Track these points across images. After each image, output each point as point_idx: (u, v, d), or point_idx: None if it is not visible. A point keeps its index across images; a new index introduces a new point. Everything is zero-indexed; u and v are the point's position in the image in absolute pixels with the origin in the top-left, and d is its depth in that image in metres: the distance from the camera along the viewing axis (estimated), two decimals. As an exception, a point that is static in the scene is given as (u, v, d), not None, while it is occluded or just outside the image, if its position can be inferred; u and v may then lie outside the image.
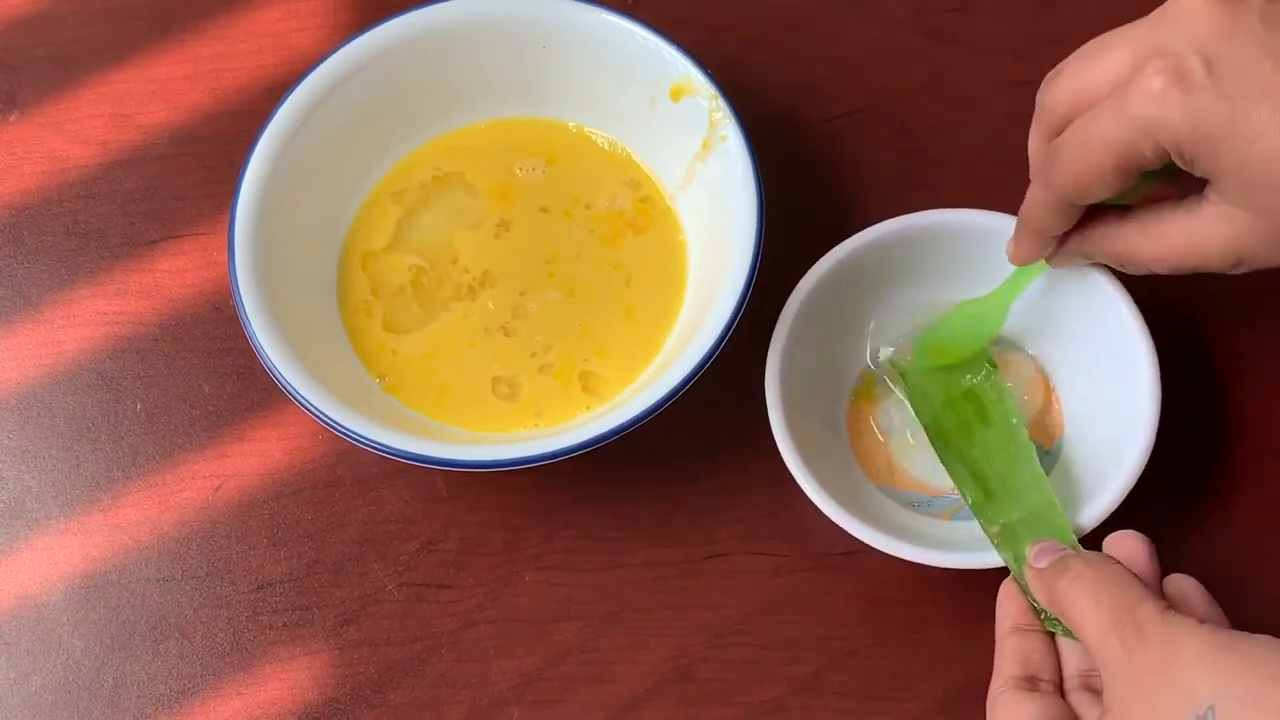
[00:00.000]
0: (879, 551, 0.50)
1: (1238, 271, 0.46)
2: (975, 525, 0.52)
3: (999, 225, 0.54)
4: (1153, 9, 0.46)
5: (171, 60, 0.66)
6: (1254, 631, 0.42)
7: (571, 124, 0.61)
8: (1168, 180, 0.47)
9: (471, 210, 0.60)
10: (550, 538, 0.56)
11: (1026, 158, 0.62)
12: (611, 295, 0.58)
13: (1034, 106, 0.64)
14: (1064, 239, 0.51)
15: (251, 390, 0.59)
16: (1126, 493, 0.50)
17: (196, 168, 0.64)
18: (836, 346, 0.56)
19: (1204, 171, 0.44)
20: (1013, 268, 0.53)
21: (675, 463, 0.57)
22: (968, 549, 0.50)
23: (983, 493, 0.52)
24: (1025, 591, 0.49)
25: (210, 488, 0.57)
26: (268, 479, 0.58)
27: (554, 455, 0.51)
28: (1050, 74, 0.49)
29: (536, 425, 0.56)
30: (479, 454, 0.51)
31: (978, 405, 0.55)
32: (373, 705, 0.54)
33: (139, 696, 0.54)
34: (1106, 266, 0.52)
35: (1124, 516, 0.50)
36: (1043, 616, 0.48)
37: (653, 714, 0.53)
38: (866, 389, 0.57)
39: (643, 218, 0.60)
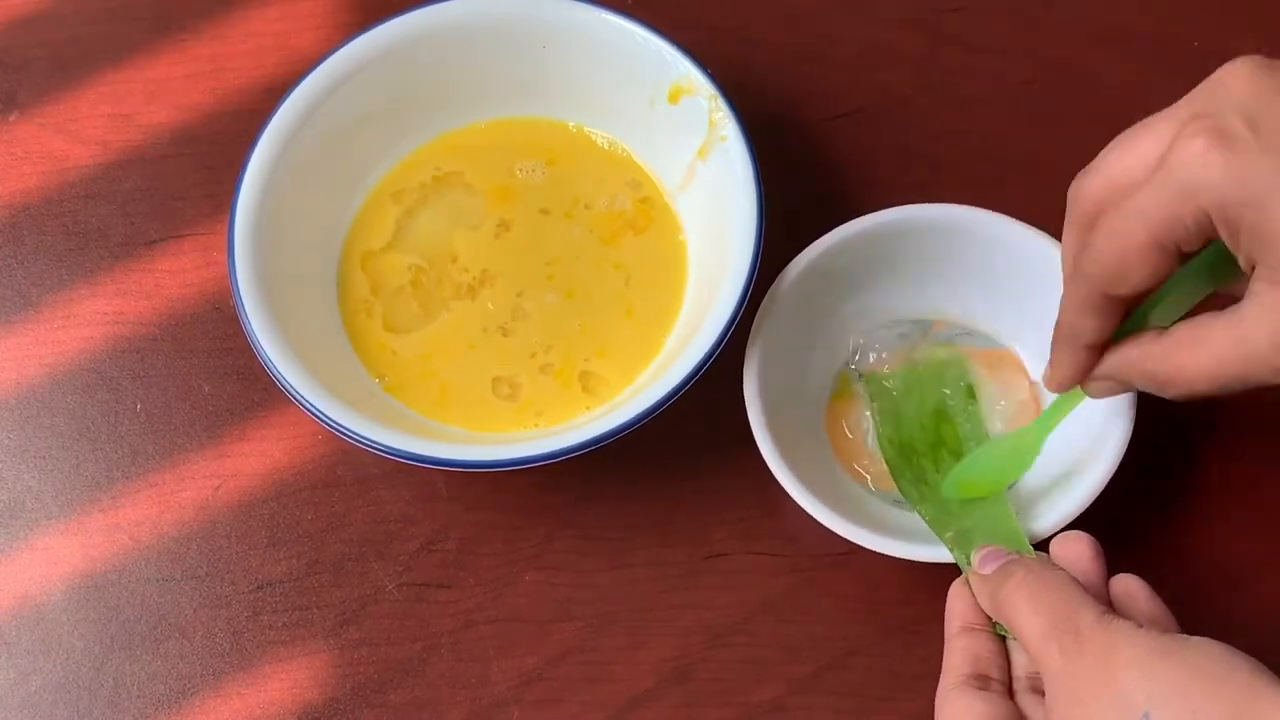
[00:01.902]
0: (879, 551, 0.50)
1: None
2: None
3: (978, 219, 0.54)
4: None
5: (171, 60, 0.66)
6: (1228, 632, 0.42)
7: (571, 124, 0.61)
8: (1210, 278, 0.45)
9: (471, 210, 0.60)
10: (550, 538, 0.56)
11: (1026, 157, 0.62)
12: (611, 295, 0.58)
13: (1033, 106, 0.65)
14: (1099, 362, 0.47)
15: (251, 390, 0.59)
16: (1103, 486, 0.50)
17: (196, 168, 0.64)
18: (814, 347, 0.56)
19: (1249, 243, 0.40)
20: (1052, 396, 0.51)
21: (675, 463, 0.57)
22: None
23: (939, 510, 0.52)
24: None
25: (210, 488, 0.57)
26: (268, 479, 0.58)
27: (554, 455, 0.51)
28: (1081, 171, 0.46)
29: (536, 425, 0.56)
30: (479, 454, 0.51)
31: (951, 430, 0.55)
32: (373, 705, 0.54)
33: (139, 696, 0.54)
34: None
35: (1101, 509, 0.50)
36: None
37: (653, 714, 0.53)
38: (844, 390, 0.57)
39: (643, 218, 0.60)
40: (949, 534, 0.50)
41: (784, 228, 0.56)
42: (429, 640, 0.55)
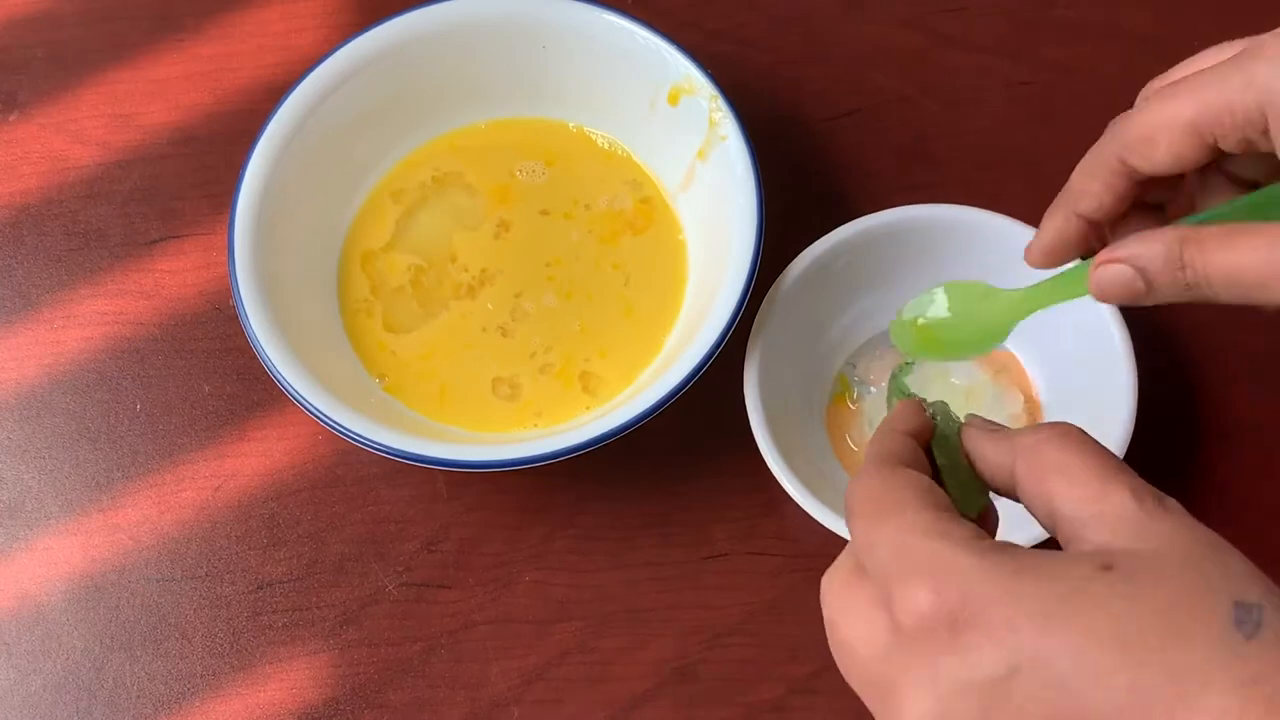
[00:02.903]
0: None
1: None
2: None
3: (977, 220, 0.55)
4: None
5: (171, 60, 0.66)
6: None
7: (571, 124, 0.61)
8: (1264, 214, 0.41)
9: (471, 211, 0.60)
10: (550, 538, 0.56)
11: (1026, 157, 0.62)
12: (611, 295, 0.58)
13: (1033, 106, 0.65)
14: (1087, 240, 0.43)
15: (251, 390, 0.59)
16: None
17: (196, 168, 0.64)
18: (814, 347, 0.56)
19: None
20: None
21: (675, 463, 0.57)
22: None
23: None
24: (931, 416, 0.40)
25: (210, 488, 0.57)
26: (268, 479, 0.58)
27: (554, 455, 0.51)
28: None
29: (536, 425, 0.56)
30: (479, 454, 0.51)
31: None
32: (373, 705, 0.54)
33: (139, 696, 0.54)
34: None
35: None
36: (941, 452, 0.40)
37: (653, 714, 0.53)
38: (844, 390, 0.57)
39: (642, 218, 0.60)
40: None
41: (784, 228, 0.56)
42: (429, 640, 0.55)
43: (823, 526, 0.50)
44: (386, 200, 0.60)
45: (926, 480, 0.36)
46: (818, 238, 0.55)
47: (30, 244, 0.63)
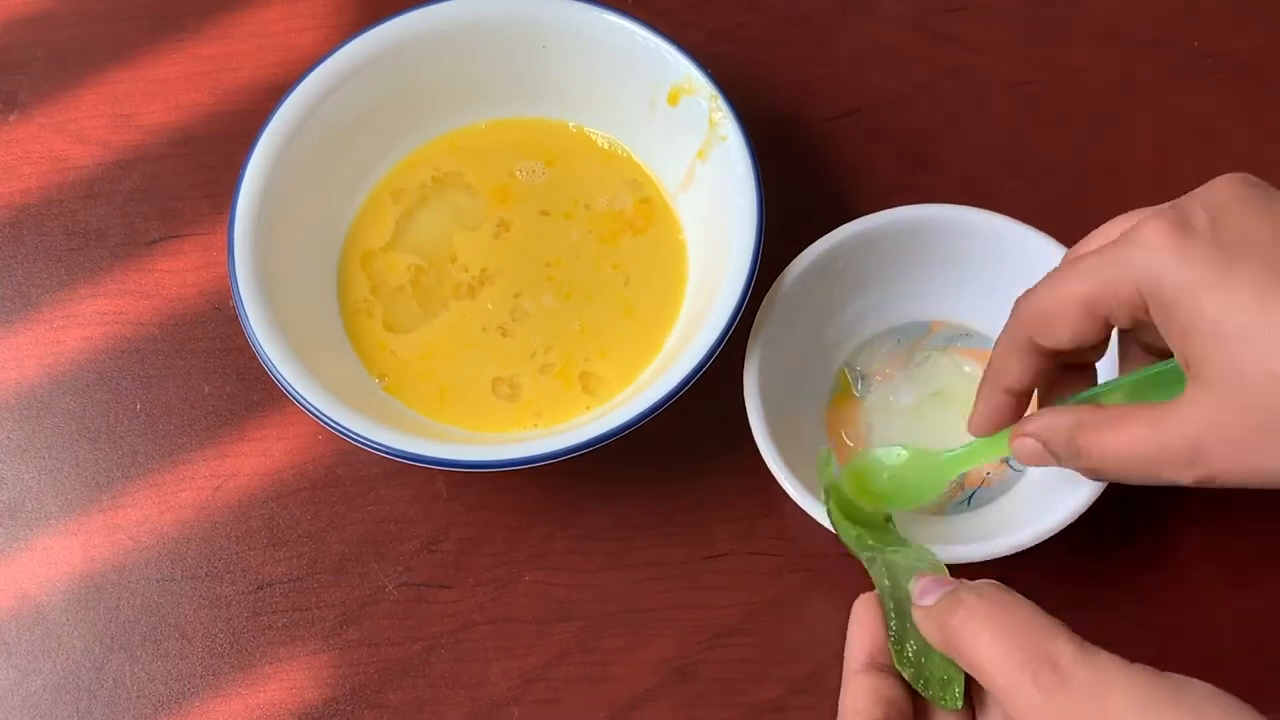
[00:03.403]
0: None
1: (1194, 476, 0.41)
2: (968, 520, 0.52)
3: (978, 220, 0.54)
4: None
5: (171, 60, 0.66)
6: (1218, 637, 0.40)
7: (571, 124, 0.61)
8: (1166, 388, 0.44)
9: (471, 211, 0.60)
10: (550, 538, 0.56)
11: (1026, 157, 0.62)
12: (611, 295, 0.58)
13: (1033, 106, 0.65)
14: (1020, 414, 0.48)
15: (251, 390, 0.59)
16: (1082, 510, 0.49)
17: (196, 168, 0.64)
18: (814, 348, 0.56)
19: (1178, 335, 0.40)
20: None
21: (675, 463, 0.57)
22: (962, 541, 0.50)
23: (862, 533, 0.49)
24: (888, 616, 0.44)
25: (210, 488, 0.57)
26: (268, 479, 0.58)
27: (554, 455, 0.51)
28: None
29: (536, 425, 0.56)
30: (479, 454, 0.51)
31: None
32: (373, 705, 0.54)
33: (139, 696, 0.54)
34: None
35: (1078, 536, 0.50)
36: (904, 659, 0.43)
37: (653, 714, 0.53)
38: (845, 391, 0.57)
39: (643, 218, 0.60)
40: (867, 554, 0.47)
41: (784, 228, 0.56)
42: (429, 640, 0.55)
43: (823, 526, 0.50)
44: (386, 200, 0.60)
45: None
46: (818, 238, 0.55)
47: (30, 244, 0.63)
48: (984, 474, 0.54)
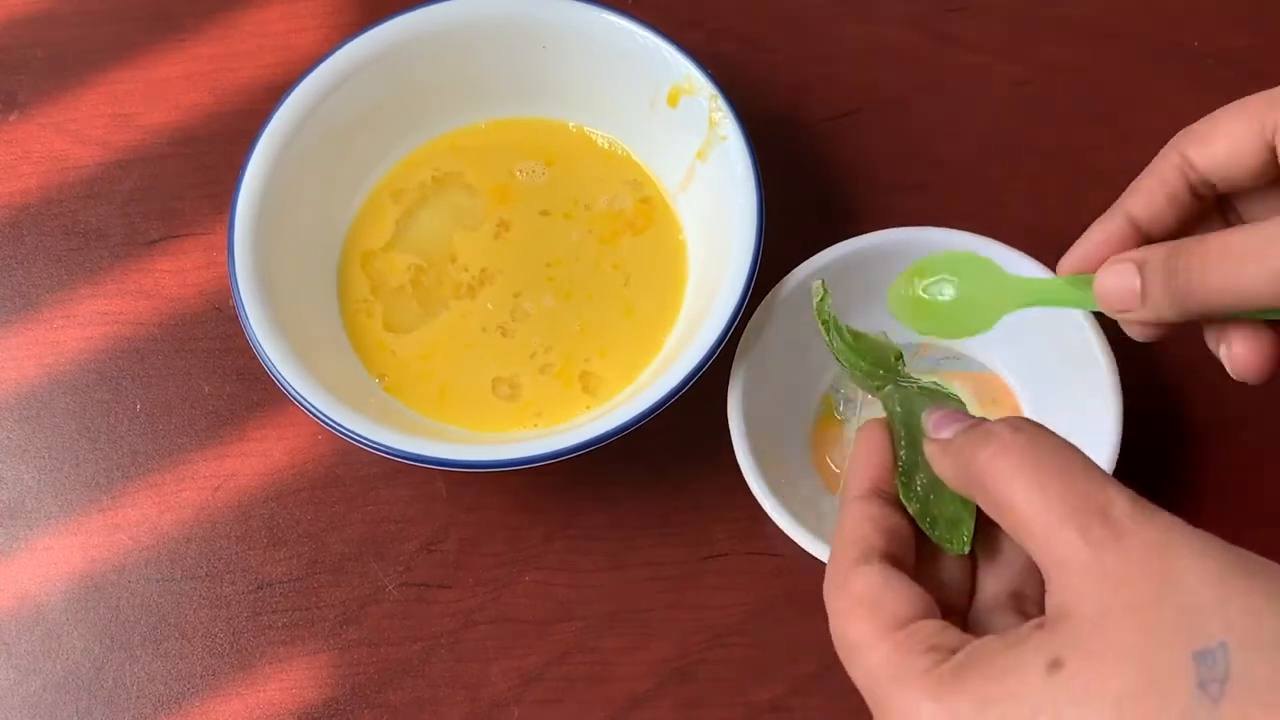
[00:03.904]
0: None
1: None
2: None
3: (970, 245, 0.53)
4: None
5: (171, 60, 0.66)
6: None
7: (571, 124, 0.61)
8: None
9: (470, 211, 0.60)
10: (550, 538, 0.56)
11: (1026, 157, 0.62)
12: (611, 295, 0.58)
13: (1033, 106, 0.65)
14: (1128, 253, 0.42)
15: (251, 390, 0.59)
16: None
17: (196, 168, 0.64)
18: (799, 371, 0.56)
19: None
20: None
21: (675, 463, 0.57)
22: None
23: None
24: (898, 445, 0.40)
25: (210, 488, 0.57)
26: (268, 479, 0.58)
27: (554, 455, 0.51)
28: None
29: (536, 425, 0.56)
30: (479, 454, 0.51)
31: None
32: (373, 705, 0.54)
33: (139, 696, 0.54)
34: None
35: None
36: (911, 493, 0.39)
37: (653, 714, 0.53)
38: (827, 415, 0.56)
39: (642, 218, 0.60)
40: (877, 384, 0.43)
41: (783, 228, 0.56)
42: (429, 640, 0.55)
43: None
44: (386, 200, 0.60)
45: (879, 585, 0.35)
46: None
47: (30, 244, 0.63)
48: None
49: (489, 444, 0.54)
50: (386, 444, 0.51)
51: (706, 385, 0.52)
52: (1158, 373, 0.57)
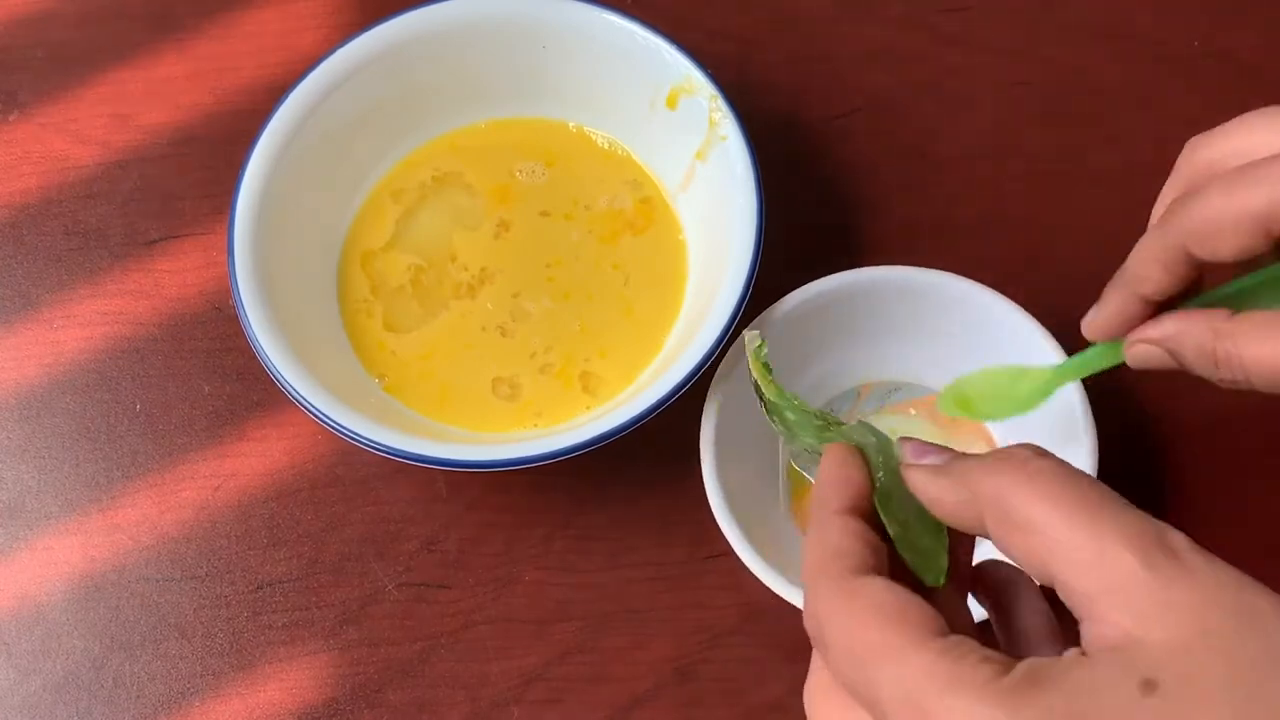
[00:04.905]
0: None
1: None
2: None
3: (948, 284, 0.53)
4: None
5: (171, 60, 0.66)
6: None
7: (571, 124, 0.61)
8: None
9: (470, 211, 0.60)
10: (550, 538, 0.56)
11: (1026, 157, 0.62)
12: (611, 295, 0.58)
13: (1033, 106, 0.64)
14: (1147, 321, 0.43)
15: (251, 390, 0.59)
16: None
17: (196, 168, 0.64)
18: (763, 451, 0.55)
19: None
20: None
21: (675, 463, 0.57)
22: None
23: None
24: (874, 469, 0.38)
25: (210, 488, 0.57)
26: (267, 479, 0.58)
27: (554, 455, 0.51)
28: (1202, 134, 0.43)
29: (536, 425, 0.56)
30: (479, 454, 0.51)
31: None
32: (373, 705, 0.54)
33: (139, 696, 0.54)
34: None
35: None
36: (890, 513, 0.38)
37: (653, 714, 0.53)
38: (800, 485, 0.55)
39: (642, 218, 0.60)
40: (829, 437, 0.41)
41: (783, 227, 0.56)
42: (429, 640, 0.55)
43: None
44: (386, 200, 0.60)
45: (901, 595, 0.34)
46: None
47: (30, 244, 0.63)
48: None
49: (489, 444, 0.54)
50: (386, 444, 0.51)
51: (707, 385, 0.52)
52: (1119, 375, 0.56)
